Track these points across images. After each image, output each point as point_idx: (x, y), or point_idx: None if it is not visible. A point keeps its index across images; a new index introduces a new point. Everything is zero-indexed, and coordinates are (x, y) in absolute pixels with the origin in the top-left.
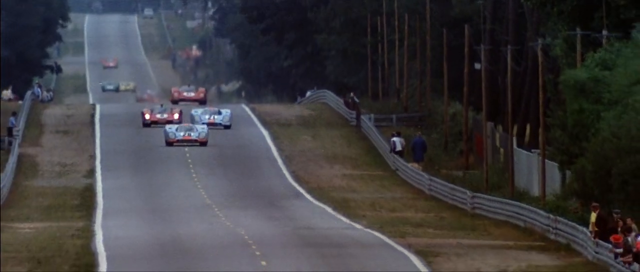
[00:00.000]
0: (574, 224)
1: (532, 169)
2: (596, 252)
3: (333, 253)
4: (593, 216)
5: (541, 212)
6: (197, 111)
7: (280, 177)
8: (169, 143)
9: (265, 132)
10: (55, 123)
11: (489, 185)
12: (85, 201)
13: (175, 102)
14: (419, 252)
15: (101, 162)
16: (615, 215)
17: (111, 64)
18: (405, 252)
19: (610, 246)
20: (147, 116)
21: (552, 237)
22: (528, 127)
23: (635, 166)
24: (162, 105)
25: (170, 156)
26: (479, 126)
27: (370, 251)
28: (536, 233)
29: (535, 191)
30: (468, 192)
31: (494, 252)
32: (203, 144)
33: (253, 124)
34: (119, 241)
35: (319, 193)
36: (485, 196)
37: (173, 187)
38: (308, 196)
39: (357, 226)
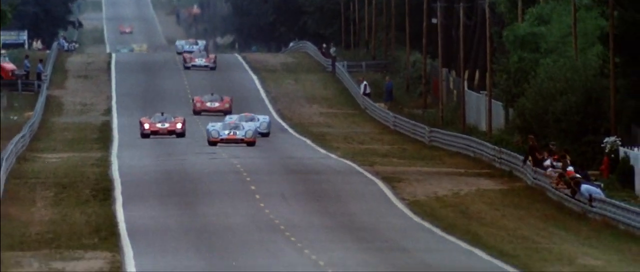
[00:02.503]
0: (515, 154)
1: (480, 107)
2: (534, 178)
3: (312, 179)
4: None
5: (488, 144)
6: (232, 117)
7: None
8: (212, 143)
9: (254, 77)
10: (77, 69)
11: (444, 121)
12: (103, 135)
13: (197, 113)
14: (385, 178)
15: (116, 102)
16: (552, 147)
17: (127, 30)
18: (374, 178)
19: (543, 171)
20: (147, 125)
21: (497, 165)
22: (477, 72)
23: (567, 106)
24: (162, 114)
25: (175, 97)
26: (436, 72)
27: (344, 177)
28: (484, 162)
29: (483, 127)
30: (426, 128)
31: (448, 178)
32: (250, 144)
33: (244, 70)
34: (132, 169)
35: (300, 128)
36: (441, 131)
37: None
38: (291, 131)
39: (333, 156)
